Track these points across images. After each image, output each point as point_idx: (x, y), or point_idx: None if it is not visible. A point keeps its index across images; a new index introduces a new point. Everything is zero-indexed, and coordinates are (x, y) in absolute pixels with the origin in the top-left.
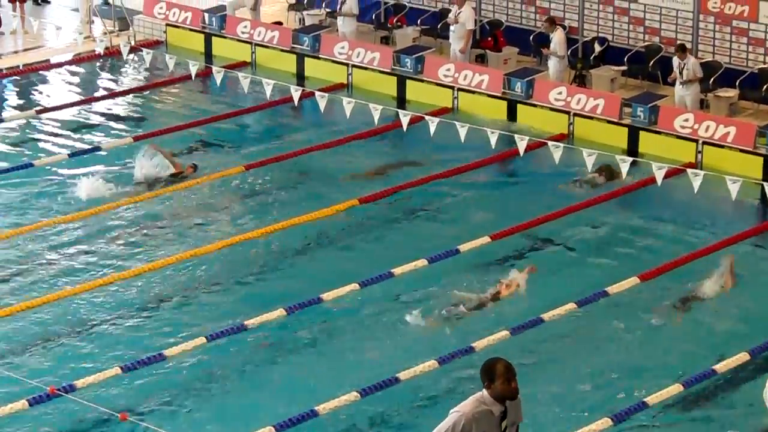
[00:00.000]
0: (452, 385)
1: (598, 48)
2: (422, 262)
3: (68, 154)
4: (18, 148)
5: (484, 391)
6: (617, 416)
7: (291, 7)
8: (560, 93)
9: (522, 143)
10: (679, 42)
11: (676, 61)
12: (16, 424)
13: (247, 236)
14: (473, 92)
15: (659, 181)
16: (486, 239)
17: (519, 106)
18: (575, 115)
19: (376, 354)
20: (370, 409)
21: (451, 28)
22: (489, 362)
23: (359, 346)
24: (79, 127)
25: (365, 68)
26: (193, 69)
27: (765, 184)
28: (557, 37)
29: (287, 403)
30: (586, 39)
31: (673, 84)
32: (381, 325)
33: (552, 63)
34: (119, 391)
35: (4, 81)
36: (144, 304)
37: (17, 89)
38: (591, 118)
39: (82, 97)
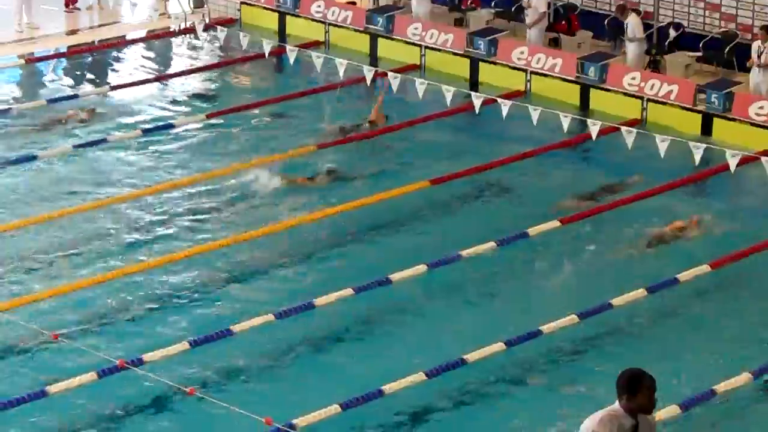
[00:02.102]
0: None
1: (673, 33)
2: (491, 245)
3: (141, 131)
4: (92, 124)
5: (617, 403)
6: None
7: None
8: (634, 78)
9: (594, 128)
10: (763, 24)
11: (755, 44)
12: (86, 396)
13: (317, 215)
14: (546, 76)
15: (732, 168)
16: (556, 223)
17: (592, 90)
18: (649, 100)
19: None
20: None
21: (525, 11)
22: (633, 373)
23: (431, 326)
24: (152, 104)
25: (438, 50)
26: (267, 48)
27: None
28: (633, 21)
29: (354, 381)
30: (661, 24)
31: (749, 70)
32: (446, 307)
33: (631, 48)
34: (187, 366)
35: (70, 58)
36: (214, 280)
37: (92, 65)
38: (664, 103)
39: (156, 75)
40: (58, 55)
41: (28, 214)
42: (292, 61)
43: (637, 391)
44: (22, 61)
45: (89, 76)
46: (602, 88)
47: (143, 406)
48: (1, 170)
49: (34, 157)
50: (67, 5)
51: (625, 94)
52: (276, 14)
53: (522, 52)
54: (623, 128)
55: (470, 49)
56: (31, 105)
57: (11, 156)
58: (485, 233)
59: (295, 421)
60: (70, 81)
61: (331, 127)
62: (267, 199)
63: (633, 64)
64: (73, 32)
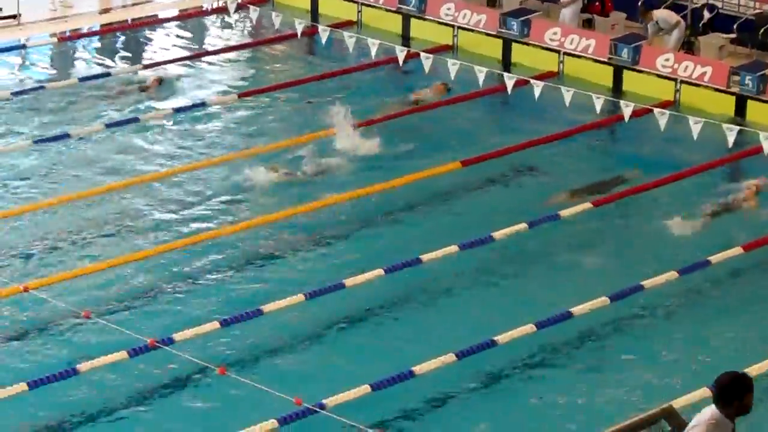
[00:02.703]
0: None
1: (707, 15)
2: (523, 226)
3: (173, 109)
4: (124, 103)
5: (714, 408)
6: None
7: None
8: (667, 60)
9: (627, 109)
10: None
11: None
12: (117, 374)
13: (349, 195)
14: (579, 57)
15: (766, 150)
16: (588, 205)
17: (625, 71)
18: (682, 82)
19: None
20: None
21: None
22: (739, 377)
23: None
24: (184, 83)
25: (471, 30)
26: (299, 27)
27: None
28: (661, 15)
29: (385, 362)
30: (695, 6)
31: None
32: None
33: (674, 34)
34: (217, 345)
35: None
36: (245, 260)
37: (125, 44)
38: (698, 85)
39: (188, 53)
40: (90, 34)
41: (59, 192)
42: (324, 41)
43: (745, 394)
44: (55, 39)
45: (122, 54)
46: (635, 70)
47: (173, 384)
48: (32, 148)
49: (67, 135)
50: None
51: (659, 75)
52: None
53: (555, 33)
54: (656, 110)
55: (503, 30)
56: (63, 83)
57: (41, 134)
58: (517, 214)
59: (324, 401)
60: (102, 59)
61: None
62: (298, 179)
63: (674, 46)
64: (105, 11)
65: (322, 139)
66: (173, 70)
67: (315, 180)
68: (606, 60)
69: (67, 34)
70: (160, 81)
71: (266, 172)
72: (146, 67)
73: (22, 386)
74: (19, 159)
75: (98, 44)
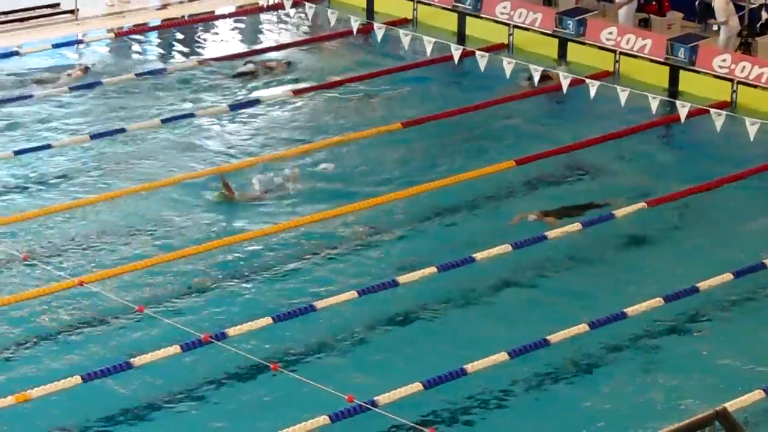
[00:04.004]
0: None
1: (765, 15)
2: (576, 226)
3: (228, 106)
4: (180, 99)
5: None
6: None
7: None
8: (724, 60)
9: (683, 110)
10: None
11: None
12: (169, 369)
13: (405, 193)
14: (635, 57)
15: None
16: (642, 204)
17: (681, 72)
18: (739, 83)
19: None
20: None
21: None
22: None
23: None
24: (239, 79)
25: (527, 29)
26: (355, 25)
27: None
28: (718, 4)
29: (437, 360)
30: (753, 6)
31: None
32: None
33: (721, 30)
34: (270, 341)
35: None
36: (299, 256)
37: (181, 39)
38: (755, 86)
39: (244, 49)
40: (147, 30)
41: (114, 187)
42: (379, 38)
43: None
44: (112, 35)
45: (179, 49)
46: (692, 70)
47: (226, 380)
48: (89, 143)
49: (123, 130)
50: None
51: (715, 76)
52: None
53: (611, 33)
54: (712, 111)
55: (559, 29)
56: (119, 79)
57: (98, 129)
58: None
59: (376, 398)
60: (159, 54)
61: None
62: (352, 177)
63: (724, 45)
64: (163, 6)
65: (374, 137)
66: (227, 66)
67: (368, 178)
68: (662, 60)
69: (124, 29)
70: (289, 63)
71: (319, 168)
72: (200, 63)
73: (76, 379)
74: (76, 153)
75: (155, 40)
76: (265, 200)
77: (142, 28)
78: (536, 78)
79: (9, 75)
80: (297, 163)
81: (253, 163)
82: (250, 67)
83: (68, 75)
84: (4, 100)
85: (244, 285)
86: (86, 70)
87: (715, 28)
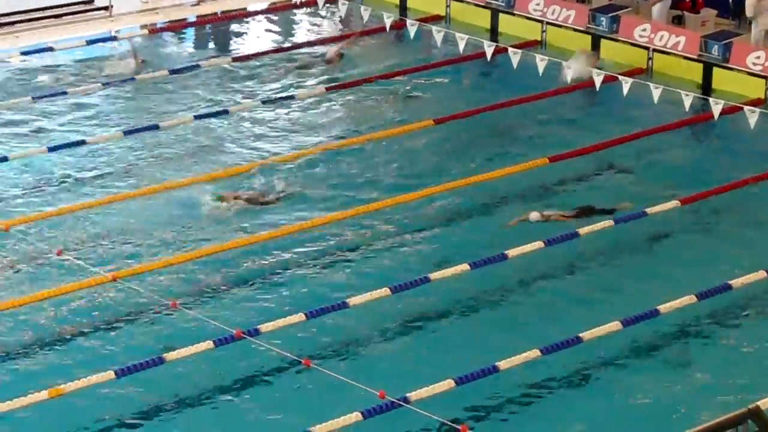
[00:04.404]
0: None
1: None
2: (609, 223)
3: (261, 101)
4: (213, 95)
5: None
6: None
7: None
8: (758, 57)
9: (717, 107)
10: None
11: None
12: (202, 364)
13: (435, 190)
14: (669, 53)
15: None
16: (675, 203)
17: (715, 69)
18: None
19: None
20: None
21: None
22: None
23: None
24: (272, 76)
25: (560, 26)
26: (388, 21)
27: None
28: (748, 0)
29: (469, 356)
30: None
31: None
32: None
33: (753, 26)
34: (303, 337)
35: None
36: (331, 252)
37: (215, 36)
38: None
39: (277, 46)
40: (181, 26)
41: (147, 182)
42: (412, 35)
43: None
44: (146, 31)
45: (212, 45)
46: (725, 67)
47: (258, 375)
48: (122, 139)
49: (156, 126)
50: None
51: (749, 73)
52: None
53: (644, 30)
54: (746, 108)
55: (592, 26)
56: (153, 75)
57: (132, 125)
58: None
59: (408, 395)
60: (193, 51)
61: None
62: (384, 174)
63: (755, 42)
64: (197, 3)
65: (406, 133)
66: (260, 63)
67: (400, 174)
68: (696, 57)
69: (158, 26)
70: (341, 55)
71: (352, 166)
72: (235, 60)
73: (110, 374)
74: (110, 150)
75: (188, 36)
76: (269, 203)
77: (175, 25)
78: (569, 76)
79: (44, 71)
80: (329, 159)
81: (285, 159)
82: (329, 55)
83: (124, 67)
84: (39, 96)
85: (277, 281)
86: (142, 62)
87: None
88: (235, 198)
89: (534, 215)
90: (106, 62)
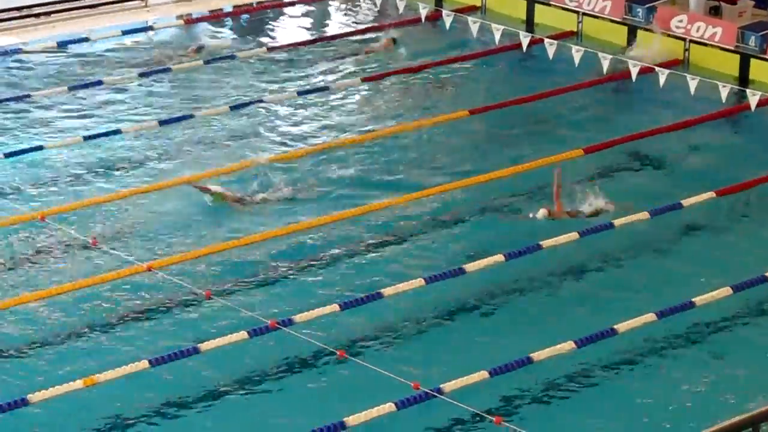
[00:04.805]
0: None
1: None
2: (644, 215)
3: (296, 92)
4: (249, 85)
5: None
6: None
7: None
8: None
9: (754, 98)
10: None
11: None
12: (236, 354)
13: (469, 182)
14: (705, 45)
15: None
16: (711, 194)
17: (752, 60)
18: None
19: None
20: None
21: None
22: None
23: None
24: (308, 67)
25: (596, 17)
26: (424, 12)
27: None
28: None
29: (503, 348)
30: None
31: None
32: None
33: None
34: (337, 328)
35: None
36: (366, 243)
37: (250, 26)
38: None
39: (313, 36)
40: (215, 17)
41: (181, 173)
42: (448, 25)
43: None
44: (181, 22)
45: (247, 35)
46: (762, 58)
47: (292, 366)
48: (158, 129)
49: (191, 116)
50: None
51: None
52: None
53: (681, 21)
54: None
55: (628, 17)
56: (188, 65)
57: (167, 115)
58: (637, 203)
59: (442, 386)
60: (227, 42)
61: None
62: (419, 165)
63: None
64: None
65: (441, 124)
66: (296, 53)
67: (434, 165)
68: (733, 48)
69: (193, 16)
70: (394, 41)
71: (388, 157)
72: (269, 50)
73: (144, 363)
74: (144, 139)
75: (224, 26)
76: (259, 203)
77: (211, 15)
78: (605, 66)
79: (80, 61)
80: (365, 150)
81: (321, 148)
82: (383, 42)
83: (181, 54)
84: (75, 86)
85: (312, 272)
86: (200, 49)
87: None
88: (238, 200)
89: (542, 212)
90: (167, 47)
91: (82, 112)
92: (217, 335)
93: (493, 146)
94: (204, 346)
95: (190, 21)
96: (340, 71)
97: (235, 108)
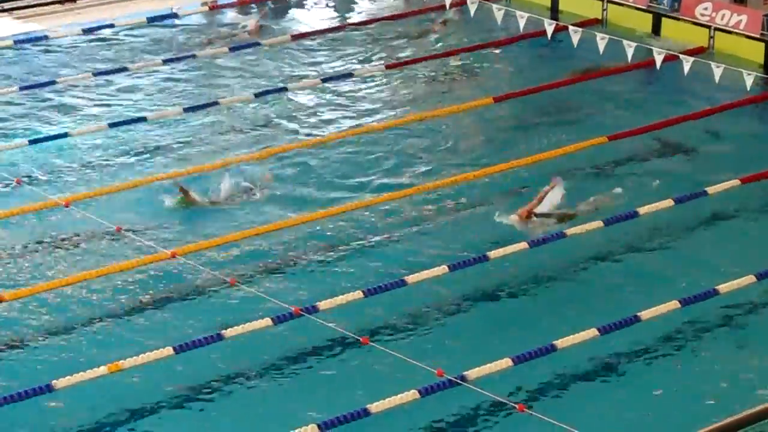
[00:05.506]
0: None
1: None
2: (668, 202)
3: (321, 80)
4: (273, 72)
5: None
6: None
7: None
8: None
9: None
10: None
11: None
12: (260, 341)
13: (492, 169)
14: (730, 32)
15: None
16: (736, 182)
17: None
18: None
19: None
20: None
21: None
22: None
23: None
24: (332, 53)
25: (620, 4)
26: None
27: None
28: None
29: (527, 335)
30: None
31: None
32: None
33: None
34: (361, 315)
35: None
36: (390, 230)
37: (273, 14)
38: None
39: (338, 23)
40: (242, 2)
41: (206, 160)
42: (472, 12)
43: None
44: (206, 8)
45: (272, 22)
46: None
47: (316, 353)
48: (182, 116)
49: (215, 103)
50: None
51: None
52: None
53: (706, 8)
54: None
55: (653, 4)
56: (213, 51)
57: (191, 102)
58: (663, 190)
59: (466, 373)
60: (252, 28)
61: None
62: (443, 152)
63: None
64: None
65: (466, 111)
66: (320, 40)
67: (458, 152)
68: (758, 36)
69: (218, 2)
70: (446, 22)
71: (409, 142)
72: (294, 38)
73: (168, 350)
74: (170, 126)
75: (248, 13)
76: (228, 205)
77: (235, 2)
78: (629, 54)
79: (105, 47)
80: (389, 136)
81: (344, 135)
82: (435, 25)
83: (244, 30)
84: (100, 72)
85: (336, 258)
86: (261, 26)
87: None
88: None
89: (514, 217)
90: (223, 28)
91: (107, 99)
92: (241, 322)
93: (517, 133)
94: (228, 332)
95: (215, 7)
96: (364, 58)
97: (259, 95)
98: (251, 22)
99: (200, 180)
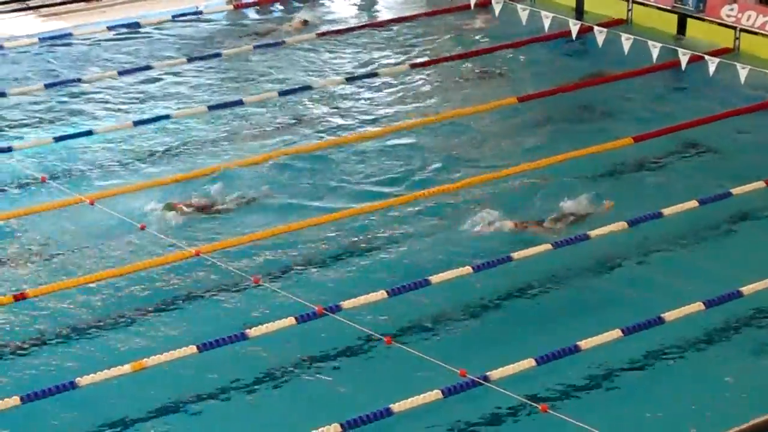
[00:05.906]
0: None
1: None
2: (693, 203)
3: (345, 78)
4: (297, 70)
5: None
6: None
7: None
8: None
9: None
10: None
11: None
12: (284, 340)
13: (516, 170)
14: (756, 33)
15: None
16: (761, 183)
17: None
18: None
19: None
20: None
21: None
22: None
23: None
24: (357, 53)
25: (645, 5)
26: None
27: None
28: None
29: (551, 336)
30: None
31: None
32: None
33: None
34: (384, 314)
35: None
36: (414, 230)
37: (299, 12)
38: None
39: (363, 22)
40: (265, 2)
41: (230, 157)
42: (497, 12)
43: None
44: (231, 7)
45: (295, 25)
46: None
47: (340, 352)
48: (207, 113)
49: (240, 102)
50: None
51: None
52: None
53: (732, 9)
54: None
55: (678, 5)
56: (237, 50)
57: (217, 99)
58: (687, 192)
59: (489, 374)
60: (275, 27)
61: None
62: (468, 152)
63: None
64: None
65: (490, 111)
66: (344, 39)
67: (483, 152)
68: None
69: (243, 1)
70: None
71: (434, 142)
72: (320, 35)
73: (191, 349)
74: (194, 124)
75: (273, 12)
76: (213, 212)
77: (260, 0)
78: (654, 54)
79: (129, 45)
80: (410, 137)
81: (367, 136)
82: (478, 23)
83: (289, 26)
84: (124, 70)
85: (360, 258)
86: (305, 22)
87: None
88: (185, 209)
89: (507, 224)
90: (270, 23)
91: (132, 97)
92: (265, 321)
93: (542, 134)
94: (252, 331)
95: (239, 6)
96: (388, 58)
97: (284, 94)
98: (296, 20)
99: (225, 177)
